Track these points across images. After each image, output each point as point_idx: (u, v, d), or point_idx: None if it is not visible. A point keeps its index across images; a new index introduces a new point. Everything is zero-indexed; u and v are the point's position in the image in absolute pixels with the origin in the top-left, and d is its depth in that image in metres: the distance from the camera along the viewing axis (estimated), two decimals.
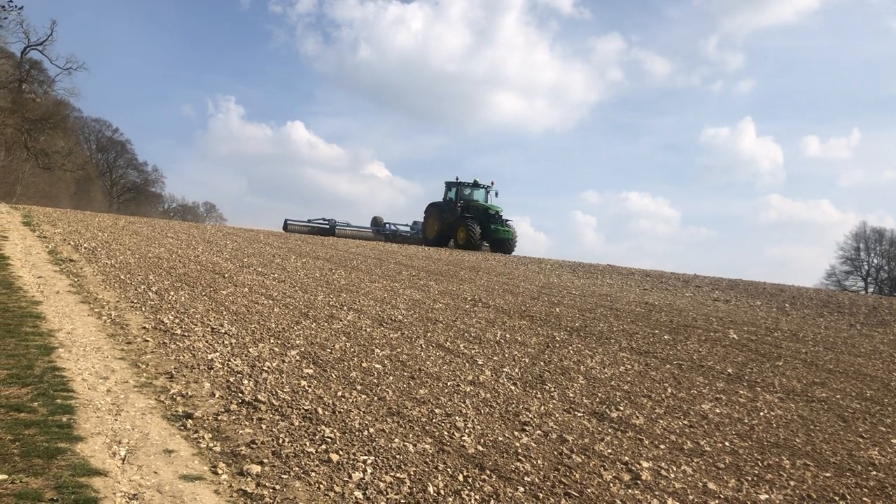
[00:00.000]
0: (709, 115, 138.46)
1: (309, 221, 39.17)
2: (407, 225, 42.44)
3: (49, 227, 20.96)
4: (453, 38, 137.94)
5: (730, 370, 9.34)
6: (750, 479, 5.59)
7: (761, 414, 7.47)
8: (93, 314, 9.62)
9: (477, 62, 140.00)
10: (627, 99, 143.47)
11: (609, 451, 5.92)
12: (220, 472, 4.87)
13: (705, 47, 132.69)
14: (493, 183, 35.53)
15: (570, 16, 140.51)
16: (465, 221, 33.23)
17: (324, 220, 39.72)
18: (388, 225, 41.94)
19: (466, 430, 6.11)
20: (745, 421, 7.16)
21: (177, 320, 9.63)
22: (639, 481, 5.32)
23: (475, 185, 35.66)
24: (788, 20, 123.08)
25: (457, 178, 35.68)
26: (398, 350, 8.96)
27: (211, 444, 5.37)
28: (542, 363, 8.96)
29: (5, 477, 4.33)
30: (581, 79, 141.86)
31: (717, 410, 7.46)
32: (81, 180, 65.22)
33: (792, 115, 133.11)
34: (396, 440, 5.72)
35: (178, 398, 6.40)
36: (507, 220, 33.90)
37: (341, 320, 10.70)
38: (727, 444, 6.40)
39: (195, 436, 5.51)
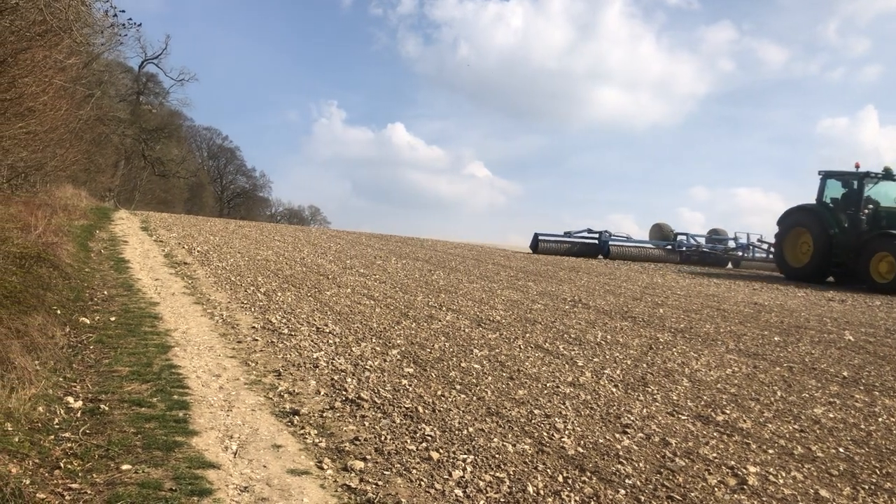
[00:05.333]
0: (825, 105, 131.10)
1: (567, 234, 28.44)
2: (702, 237, 29.82)
3: (165, 231, 22.12)
4: (554, 34, 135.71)
5: (845, 373, 8.91)
6: (866, 487, 5.32)
7: (880, 419, 7.09)
8: (205, 314, 10.10)
9: (579, 57, 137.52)
10: (739, 90, 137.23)
11: (714, 454, 5.77)
12: (325, 467, 5.03)
13: (824, 33, 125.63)
14: None
15: (676, 6, 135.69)
16: (892, 242, 18.83)
17: (590, 231, 28.08)
18: (683, 238, 28.99)
19: (566, 432, 6.07)
20: (862, 426, 6.82)
21: (284, 320, 9.98)
22: (745, 486, 5.16)
23: (887, 175, 20.46)
24: None
25: (857, 166, 20.73)
26: (497, 350, 8.99)
27: (316, 440, 5.54)
28: (644, 365, 8.79)
29: (129, 467, 4.62)
30: (689, 70, 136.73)
31: (831, 415, 7.13)
32: (194, 186, 68.33)
33: None
34: (496, 440, 5.75)
35: (286, 395, 6.64)
36: None
37: (440, 320, 10.82)
38: (841, 450, 6.11)
39: (301, 432, 5.71)
